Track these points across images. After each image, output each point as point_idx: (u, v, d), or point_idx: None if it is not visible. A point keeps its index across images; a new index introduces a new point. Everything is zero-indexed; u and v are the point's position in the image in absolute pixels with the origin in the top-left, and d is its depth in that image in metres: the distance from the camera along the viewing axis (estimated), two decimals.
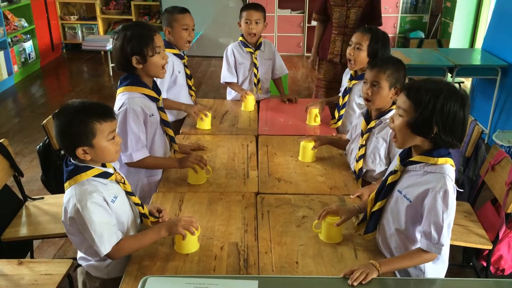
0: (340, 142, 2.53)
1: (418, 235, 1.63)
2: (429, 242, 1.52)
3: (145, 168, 2.25)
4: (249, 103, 3.10)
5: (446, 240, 1.52)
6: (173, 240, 1.73)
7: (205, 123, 2.79)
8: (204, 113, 2.77)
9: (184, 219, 1.68)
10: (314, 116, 2.86)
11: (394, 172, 1.66)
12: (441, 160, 1.54)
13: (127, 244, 1.63)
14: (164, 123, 2.30)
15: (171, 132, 2.33)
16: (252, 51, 3.19)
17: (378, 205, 1.70)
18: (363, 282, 1.45)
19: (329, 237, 1.78)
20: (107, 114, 1.61)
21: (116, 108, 2.11)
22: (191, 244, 1.70)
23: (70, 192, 1.59)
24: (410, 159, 1.60)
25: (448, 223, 1.52)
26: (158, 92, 2.24)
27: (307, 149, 2.40)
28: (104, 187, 1.63)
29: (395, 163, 1.69)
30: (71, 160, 1.63)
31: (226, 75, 3.25)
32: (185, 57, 2.92)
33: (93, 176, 1.61)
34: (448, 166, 1.55)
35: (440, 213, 1.50)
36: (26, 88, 5.91)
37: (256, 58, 3.20)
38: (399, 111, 1.58)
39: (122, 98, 2.13)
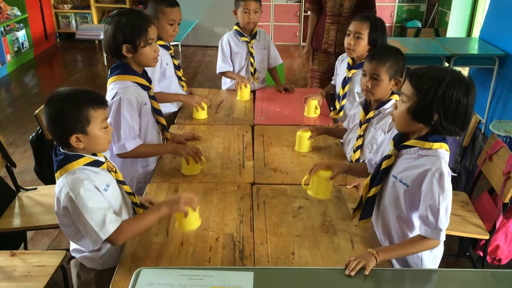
0: (337, 131, 2.51)
1: (417, 222, 1.61)
2: (427, 228, 1.51)
3: (138, 157, 2.22)
4: (245, 92, 3.07)
5: (444, 225, 1.50)
6: (169, 225, 1.70)
7: (202, 113, 2.76)
8: (205, 102, 2.76)
9: (184, 196, 1.63)
10: (314, 108, 2.82)
11: (388, 156, 1.64)
12: (436, 145, 1.53)
13: (128, 226, 1.58)
14: (156, 111, 2.27)
15: (163, 121, 2.31)
16: (248, 40, 3.15)
17: (373, 190, 1.68)
18: (366, 273, 1.44)
19: (319, 192, 1.80)
20: (100, 101, 1.59)
21: (108, 98, 2.07)
22: (193, 221, 1.66)
23: (61, 181, 1.56)
24: (405, 143, 1.58)
25: (445, 207, 1.49)
26: (149, 80, 2.21)
27: (303, 139, 2.37)
28: (96, 176, 1.60)
29: (389, 148, 1.67)
30: (60, 149, 1.60)
31: (221, 66, 3.21)
32: (171, 47, 2.86)
33: (84, 165, 1.58)
34: (443, 151, 1.54)
35: (436, 195, 1.48)
36: (20, 78, 5.85)
37: (252, 47, 3.16)
38: (402, 97, 1.56)
39: (114, 87, 2.09)
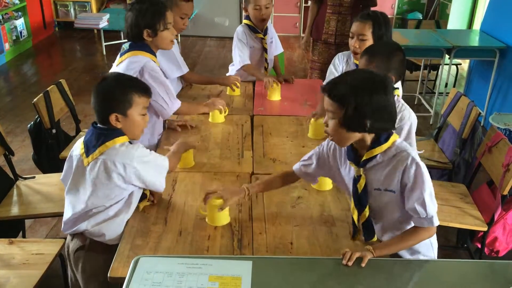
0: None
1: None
2: (418, 217, 1.49)
3: (184, 113, 2.54)
4: (276, 92, 2.93)
5: (433, 210, 1.49)
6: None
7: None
8: (239, 81, 2.95)
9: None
10: (319, 129, 2.44)
11: (358, 178, 1.57)
12: (391, 140, 1.51)
13: (171, 162, 1.85)
14: None
15: None
16: (262, 36, 3.13)
17: (365, 215, 1.59)
18: (362, 265, 1.44)
19: (213, 219, 1.73)
20: (146, 90, 1.75)
21: (132, 71, 2.16)
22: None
23: (109, 153, 1.65)
24: (364, 158, 1.54)
25: (429, 193, 1.48)
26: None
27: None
28: None
29: (352, 173, 1.59)
30: (99, 125, 1.70)
31: (245, 58, 3.08)
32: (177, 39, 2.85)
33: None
34: (400, 141, 1.53)
35: (418, 186, 1.47)
36: (18, 67, 5.82)
37: (266, 43, 3.15)
38: (329, 115, 1.51)
39: (137, 60, 2.20)
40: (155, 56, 2.29)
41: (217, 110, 2.57)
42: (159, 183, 1.78)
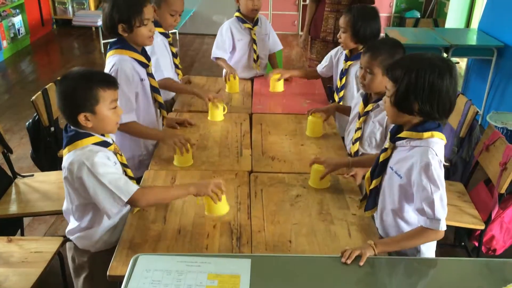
0: (346, 108, 2.53)
1: (412, 216, 1.62)
2: (425, 218, 1.51)
3: (129, 133, 2.19)
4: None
5: (442, 214, 1.50)
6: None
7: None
8: (219, 100, 2.57)
9: (213, 182, 1.71)
10: (315, 127, 2.42)
11: (384, 149, 1.66)
12: (426, 134, 1.52)
13: (153, 192, 1.66)
14: (153, 89, 2.29)
15: (160, 99, 2.34)
16: (250, 27, 3.13)
17: (374, 183, 1.70)
18: (360, 264, 1.44)
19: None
20: (111, 82, 1.64)
21: (106, 70, 2.09)
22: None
23: (72, 154, 1.59)
24: (398, 135, 1.59)
25: (440, 197, 1.49)
26: (148, 58, 2.24)
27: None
28: (106, 153, 1.65)
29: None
30: (71, 127, 1.63)
31: (216, 52, 3.16)
32: (170, 35, 2.83)
33: (93, 144, 1.61)
34: (434, 139, 1.53)
35: (428, 187, 1.48)
36: (16, 64, 5.81)
37: (254, 34, 3.14)
38: (387, 92, 1.57)
39: (112, 60, 2.12)
40: (138, 51, 2.16)
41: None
42: (107, 206, 1.57)
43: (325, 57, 2.95)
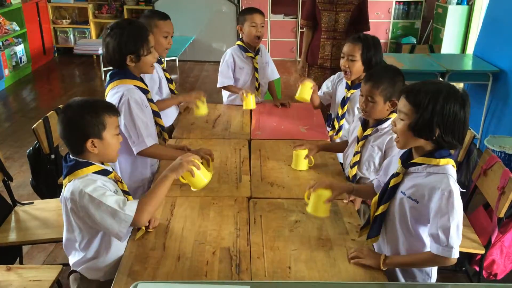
0: (337, 145, 2.52)
1: (426, 238, 1.62)
2: (438, 246, 1.50)
3: (153, 157, 2.28)
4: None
5: (456, 242, 1.50)
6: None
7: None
8: (202, 99, 2.76)
9: (184, 159, 1.70)
10: (301, 159, 2.36)
11: (396, 174, 1.64)
12: (443, 161, 1.53)
13: (146, 203, 1.62)
14: (154, 113, 2.34)
15: (161, 122, 2.40)
16: (253, 55, 3.18)
17: (381, 208, 1.67)
18: (360, 262, 1.51)
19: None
20: (114, 109, 1.70)
21: (114, 102, 2.10)
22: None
23: (72, 184, 1.60)
24: (412, 161, 1.58)
25: (456, 225, 1.49)
26: (146, 84, 2.29)
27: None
28: (105, 182, 1.66)
29: (396, 166, 1.67)
30: (71, 156, 1.65)
31: (222, 80, 3.21)
32: (164, 61, 2.88)
33: (93, 173, 1.63)
34: (450, 167, 1.54)
35: (446, 214, 1.48)
36: (17, 92, 5.86)
37: (257, 63, 3.20)
38: (400, 115, 1.57)
39: (118, 91, 2.13)
40: (140, 79, 2.23)
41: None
42: (116, 228, 1.58)
43: (325, 83, 2.94)
